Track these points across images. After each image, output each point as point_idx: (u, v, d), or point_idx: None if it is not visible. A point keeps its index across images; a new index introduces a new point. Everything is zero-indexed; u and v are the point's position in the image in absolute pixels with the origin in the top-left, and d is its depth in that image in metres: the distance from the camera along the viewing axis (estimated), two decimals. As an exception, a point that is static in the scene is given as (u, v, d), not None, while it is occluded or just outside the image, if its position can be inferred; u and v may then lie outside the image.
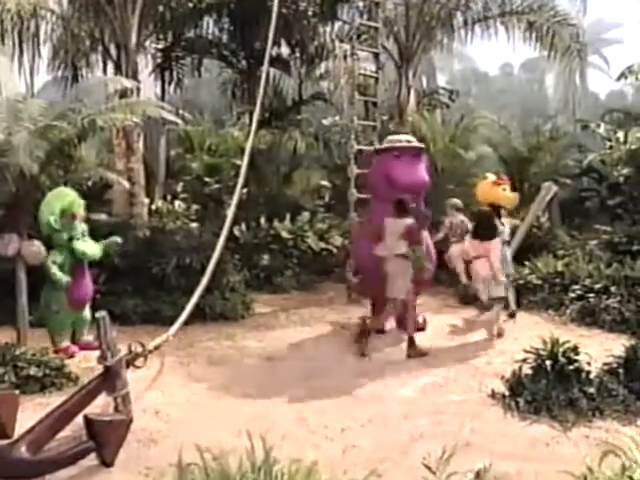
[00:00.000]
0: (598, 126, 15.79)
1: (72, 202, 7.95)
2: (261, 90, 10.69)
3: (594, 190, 15.90)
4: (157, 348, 6.22)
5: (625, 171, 13.56)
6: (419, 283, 8.41)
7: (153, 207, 13.41)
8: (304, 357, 7.80)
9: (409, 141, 9.25)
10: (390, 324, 8.85)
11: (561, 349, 6.26)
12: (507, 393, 6.23)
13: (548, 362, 6.13)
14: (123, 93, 9.32)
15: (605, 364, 6.39)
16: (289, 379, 6.91)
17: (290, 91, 16.69)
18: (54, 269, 7.80)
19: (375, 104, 12.15)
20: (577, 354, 6.19)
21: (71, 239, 7.89)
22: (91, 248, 8.07)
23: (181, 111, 20.05)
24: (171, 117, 8.43)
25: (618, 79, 14.78)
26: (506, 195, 12.05)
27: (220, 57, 15.19)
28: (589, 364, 6.23)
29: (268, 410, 5.99)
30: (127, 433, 4.99)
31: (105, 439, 4.76)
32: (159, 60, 14.96)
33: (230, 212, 9.25)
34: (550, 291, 10.31)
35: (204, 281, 7.44)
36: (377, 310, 8.91)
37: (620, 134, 14.86)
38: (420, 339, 8.50)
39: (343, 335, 8.87)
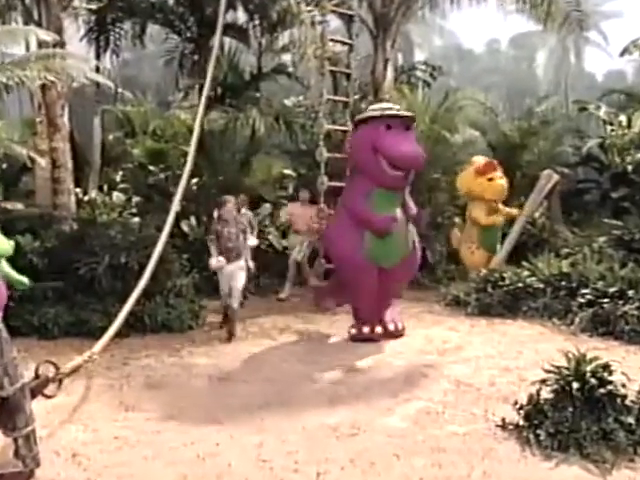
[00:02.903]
0: (598, 108, 15.26)
1: None
2: (212, 59, 9.86)
3: (594, 181, 15.46)
4: (76, 370, 5.27)
5: (639, 156, 12.98)
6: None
7: (86, 198, 12.58)
8: (266, 377, 7.08)
9: (399, 110, 8.77)
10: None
11: (589, 367, 5.47)
12: (522, 423, 5.46)
13: (575, 384, 5.33)
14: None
15: (645, 386, 5.63)
16: (248, 406, 6.15)
17: (248, 65, 15.82)
18: None
19: (348, 76, 11.33)
20: (610, 373, 5.42)
21: None
22: None
23: (120, 89, 19.24)
24: (102, 79, 7.46)
25: (621, 55, 14.27)
26: (492, 186, 11.52)
27: (165, 23, 14.17)
28: (624, 386, 5.44)
29: (221, 448, 5.21)
30: (27, 489, 4.03)
31: (-6, 500, 3.79)
32: (92, 24, 13.87)
33: (175, 202, 8.48)
34: (554, 296, 9.81)
35: (141, 284, 6.57)
36: (361, 315, 8.64)
37: (623, 117, 14.34)
38: (404, 354, 7.98)
39: (313, 350, 8.16)
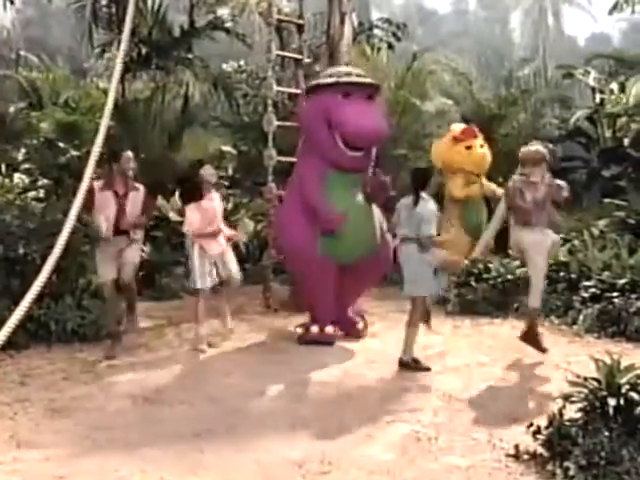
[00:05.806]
0: (586, 74, 14.89)
1: None
2: (130, 4, 9.04)
3: (580, 159, 15.09)
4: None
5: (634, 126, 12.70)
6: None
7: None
8: (206, 397, 6.34)
9: (360, 75, 8.21)
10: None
11: (624, 378, 4.79)
12: (542, 452, 4.75)
13: (611, 400, 4.62)
14: None
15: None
16: (183, 435, 5.38)
17: (178, 25, 15.11)
18: None
19: (300, 30, 10.66)
20: (654, 386, 4.75)
21: None
22: None
23: (23, 52, 18.50)
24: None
25: (610, 12, 13.92)
26: (471, 156, 11.02)
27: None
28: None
29: (148, 497, 4.44)
30: None
31: None
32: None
33: (84, 180, 7.64)
34: (550, 290, 9.22)
35: (40, 280, 5.66)
36: (314, 314, 8.21)
37: (614, 84, 14.00)
38: (378, 364, 7.30)
39: (265, 360, 7.47)
